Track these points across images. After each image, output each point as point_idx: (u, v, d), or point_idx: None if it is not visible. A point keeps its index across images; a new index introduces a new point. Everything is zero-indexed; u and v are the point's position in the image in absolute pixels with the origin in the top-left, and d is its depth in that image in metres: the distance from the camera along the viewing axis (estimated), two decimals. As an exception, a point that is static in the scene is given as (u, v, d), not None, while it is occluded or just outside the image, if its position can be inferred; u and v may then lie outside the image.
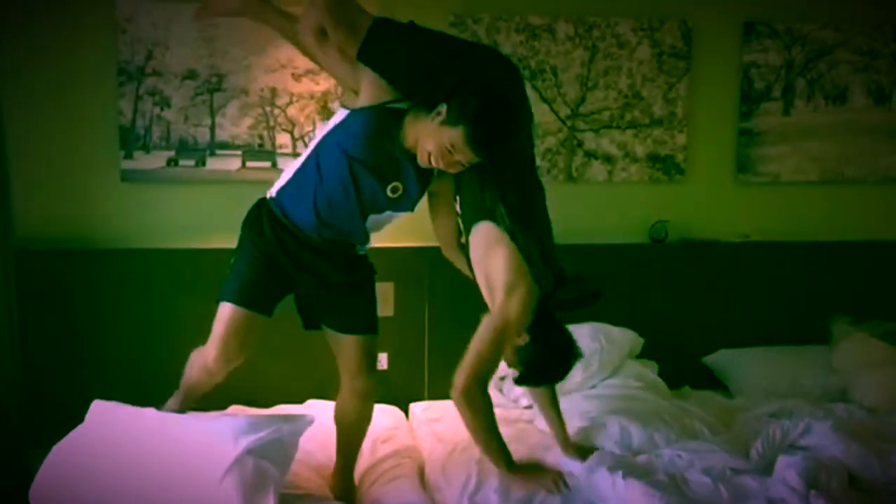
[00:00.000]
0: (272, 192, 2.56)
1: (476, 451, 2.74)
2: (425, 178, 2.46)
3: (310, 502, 2.47)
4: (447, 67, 2.37)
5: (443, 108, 2.30)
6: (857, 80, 3.66)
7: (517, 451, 2.75)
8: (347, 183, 2.41)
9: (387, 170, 2.41)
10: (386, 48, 2.38)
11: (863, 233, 3.69)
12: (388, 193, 2.44)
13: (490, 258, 2.43)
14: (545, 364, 2.49)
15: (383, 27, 2.41)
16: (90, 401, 3.01)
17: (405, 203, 2.49)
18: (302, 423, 2.49)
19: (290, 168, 2.55)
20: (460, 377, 2.38)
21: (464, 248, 2.59)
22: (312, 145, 2.51)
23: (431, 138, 2.30)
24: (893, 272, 3.69)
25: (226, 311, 2.45)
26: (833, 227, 3.68)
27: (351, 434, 2.66)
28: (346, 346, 2.59)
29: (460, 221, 2.54)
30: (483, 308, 2.54)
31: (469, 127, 2.24)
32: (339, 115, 2.47)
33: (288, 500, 2.42)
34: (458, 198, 2.53)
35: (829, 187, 3.70)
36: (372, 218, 2.51)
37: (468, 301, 3.37)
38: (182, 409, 2.52)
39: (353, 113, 2.41)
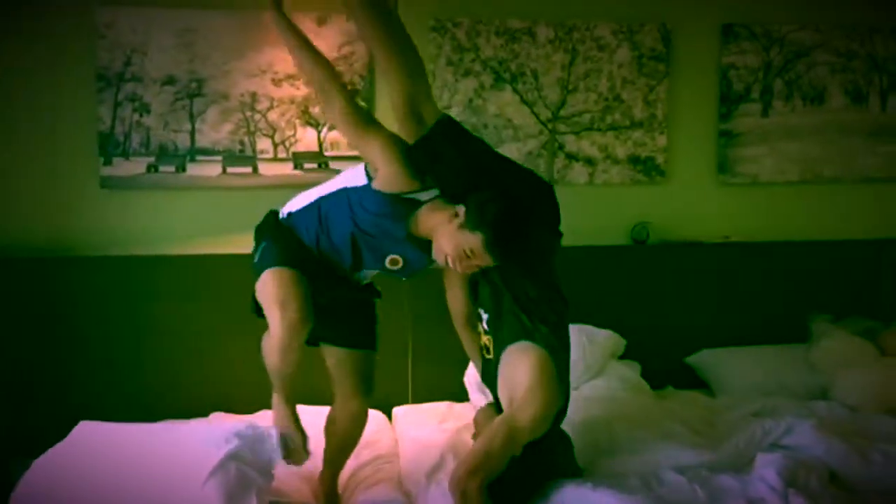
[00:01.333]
0: (283, 213, 2.54)
1: (456, 455, 2.74)
2: (430, 258, 2.42)
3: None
4: (490, 176, 2.38)
5: (460, 211, 2.27)
6: (834, 80, 3.70)
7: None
8: (347, 245, 2.41)
9: (391, 246, 2.40)
10: (441, 150, 2.38)
11: (842, 232, 3.72)
12: (387, 265, 2.45)
13: (519, 367, 2.38)
14: (510, 483, 2.37)
15: (448, 129, 2.44)
16: (70, 408, 3.00)
17: (403, 273, 2.49)
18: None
19: (302, 198, 2.51)
20: (460, 470, 2.27)
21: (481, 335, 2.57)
22: (325, 190, 2.47)
23: (449, 241, 2.27)
24: (872, 270, 3.72)
25: (270, 275, 2.35)
26: (812, 226, 3.71)
27: (341, 449, 2.66)
28: (342, 363, 2.58)
29: (488, 339, 2.51)
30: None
31: (489, 234, 2.23)
32: (358, 174, 2.41)
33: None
34: (484, 315, 2.51)
35: (807, 187, 3.73)
36: (366, 272, 2.53)
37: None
38: (285, 399, 2.46)
39: (370, 189, 2.36)
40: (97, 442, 2.44)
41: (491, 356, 2.50)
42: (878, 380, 3.22)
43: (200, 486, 2.23)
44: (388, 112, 3.36)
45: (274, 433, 2.49)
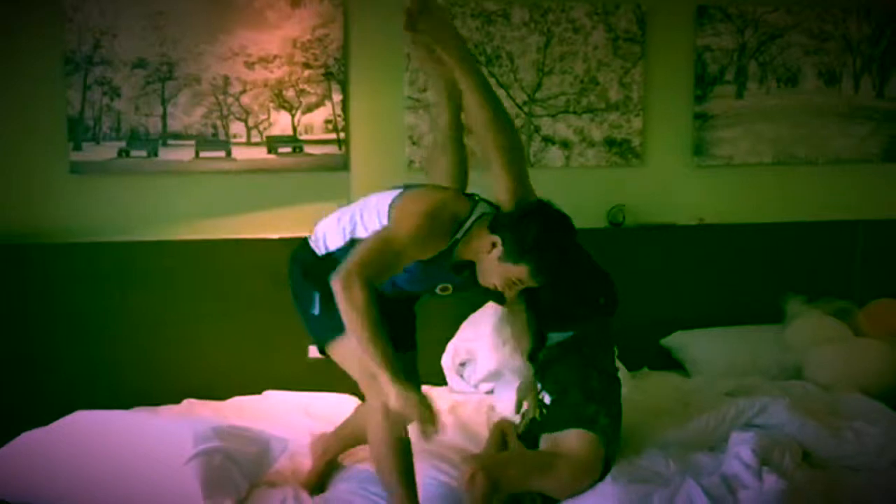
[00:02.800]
0: (319, 248, 2.43)
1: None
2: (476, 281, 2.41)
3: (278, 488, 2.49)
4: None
5: (498, 242, 2.25)
6: (808, 62, 3.71)
7: (480, 436, 2.75)
8: (391, 285, 2.38)
9: (437, 279, 2.37)
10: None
11: (815, 213, 3.74)
12: (438, 292, 2.43)
13: (571, 440, 2.40)
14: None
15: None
16: (38, 396, 2.98)
17: (456, 293, 2.46)
18: (277, 447, 2.51)
19: (334, 230, 2.40)
20: (477, 461, 2.28)
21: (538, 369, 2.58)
22: (359, 228, 2.36)
23: (493, 273, 2.27)
24: (845, 251, 3.75)
25: (341, 344, 2.32)
26: (786, 207, 3.73)
27: (357, 439, 2.62)
28: None
29: (539, 409, 2.54)
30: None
31: (533, 264, 2.22)
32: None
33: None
34: (547, 396, 2.53)
35: (781, 168, 3.75)
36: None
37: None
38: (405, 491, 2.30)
39: None
40: (85, 426, 2.44)
41: (539, 414, 2.52)
42: (848, 358, 3.26)
43: (182, 463, 2.25)
44: (363, 95, 3.36)
45: (274, 442, 2.50)
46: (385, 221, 2.29)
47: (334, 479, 2.58)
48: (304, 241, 2.48)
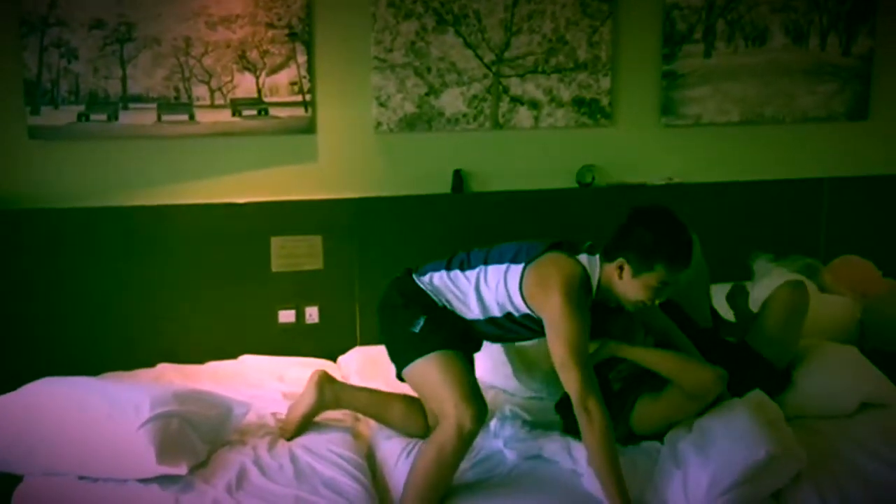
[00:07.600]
0: (429, 287, 2.51)
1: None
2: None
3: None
4: None
5: (622, 262, 2.34)
6: (776, 20, 3.70)
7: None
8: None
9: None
10: None
11: (782, 171, 3.77)
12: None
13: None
14: None
15: None
16: (8, 363, 2.93)
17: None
18: (239, 411, 2.53)
19: (450, 292, 2.50)
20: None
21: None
22: (476, 307, 2.46)
23: (634, 290, 2.34)
24: (811, 209, 3.79)
25: (438, 360, 2.37)
26: (753, 166, 3.75)
27: (371, 412, 2.66)
28: None
29: None
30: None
31: (665, 260, 2.31)
32: (514, 298, 2.40)
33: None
34: None
35: (749, 128, 3.76)
36: None
37: (398, 250, 3.37)
38: None
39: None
40: (48, 392, 2.44)
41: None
42: (813, 314, 3.29)
43: (135, 429, 2.26)
44: (328, 56, 3.30)
45: (236, 405, 2.52)
46: (518, 298, 2.38)
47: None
48: (407, 273, 2.56)
